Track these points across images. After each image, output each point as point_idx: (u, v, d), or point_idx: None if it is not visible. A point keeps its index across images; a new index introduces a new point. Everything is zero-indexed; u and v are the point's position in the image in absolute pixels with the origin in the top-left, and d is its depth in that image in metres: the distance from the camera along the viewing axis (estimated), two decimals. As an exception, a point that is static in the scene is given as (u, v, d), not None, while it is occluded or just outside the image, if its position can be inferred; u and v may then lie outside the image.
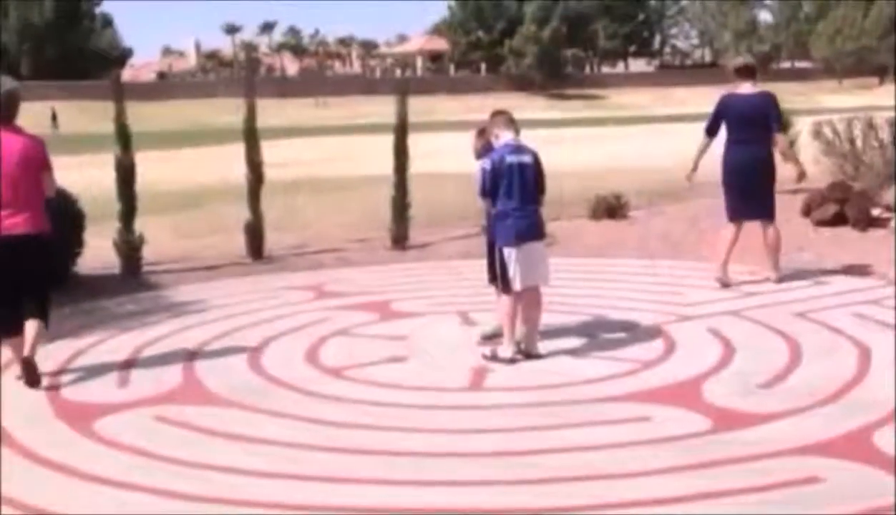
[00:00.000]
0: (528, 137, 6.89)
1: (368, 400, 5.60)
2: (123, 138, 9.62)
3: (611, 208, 12.28)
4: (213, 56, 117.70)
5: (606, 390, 5.69)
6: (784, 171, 8.92)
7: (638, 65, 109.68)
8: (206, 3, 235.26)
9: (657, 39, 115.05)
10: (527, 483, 4.38)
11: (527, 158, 6.32)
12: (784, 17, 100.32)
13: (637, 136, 34.38)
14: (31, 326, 5.99)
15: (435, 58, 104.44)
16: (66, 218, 8.19)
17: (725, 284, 8.33)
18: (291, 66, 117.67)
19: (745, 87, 8.38)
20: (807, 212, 11.35)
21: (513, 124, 6.46)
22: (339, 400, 5.64)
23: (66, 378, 6.20)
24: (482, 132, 6.77)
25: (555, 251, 9.10)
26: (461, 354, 6.51)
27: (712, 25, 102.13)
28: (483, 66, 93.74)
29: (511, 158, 6.27)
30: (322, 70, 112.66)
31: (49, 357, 6.60)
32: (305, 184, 18.60)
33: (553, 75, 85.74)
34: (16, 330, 6.03)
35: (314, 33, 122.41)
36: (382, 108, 40.66)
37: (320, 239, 11.55)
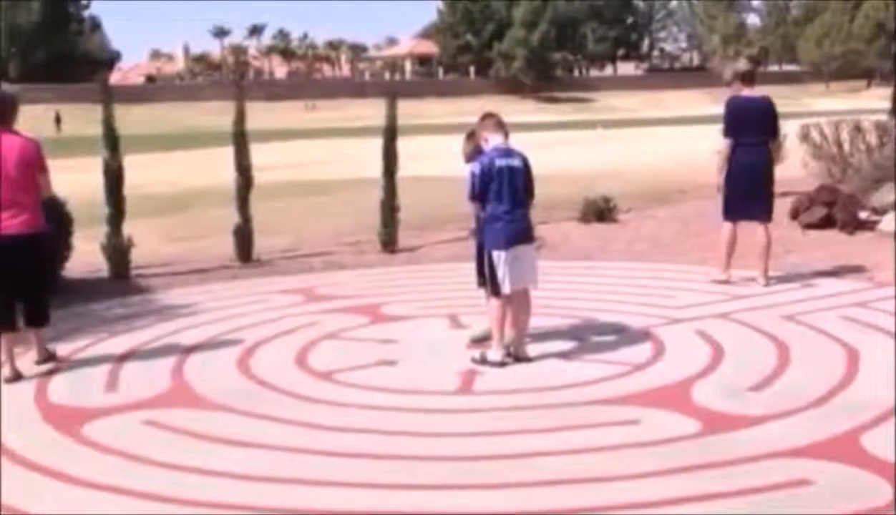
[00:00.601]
0: (517, 141, 6.89)
1: (358, 404, 5.59)
2: (111, 141, 9.59)
3: (600, 211, 12.31)
4: (201, 59, 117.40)
5: (596, 393, 5.69)
6: (778, 173, 8.95)
7: (627, 68, 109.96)
8: (194, 5, 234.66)
9: (646, 43, 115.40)
10: (516, 487, 4.37)
11: (516, 162, 6.32)
12: (772, 20, 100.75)
13: (626, 139, 34.46)
14: (36, 335, 6.43)
15: (424, 61, 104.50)
16: (54, 221, 8.15)
17: (728, 283, 8.42)
18: (280, 70, 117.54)
19: (747, 91, 8.49)
20: (795, 215, 11.39)
21: (502, 128, 6.46)
22: (329, 403, 5.63)
23: (54, 382, 6.18)
24: (471, 135, 6.76)
25: (544, 254, 9.10)
26: (451, 357, 6.50)
27: (700, 29, 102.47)
28: (472, 70, 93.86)
29: (500, 162, 6.27)
30: (311, 73, 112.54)
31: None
32: (294, 187, 18.60)
33: (542, 78, 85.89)
34: (12, 326, 6.28)
35: (303, 36, 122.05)
36: (371, 111, 40.69)
37: (309, 242, 11.55)
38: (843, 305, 7.62)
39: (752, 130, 8.38)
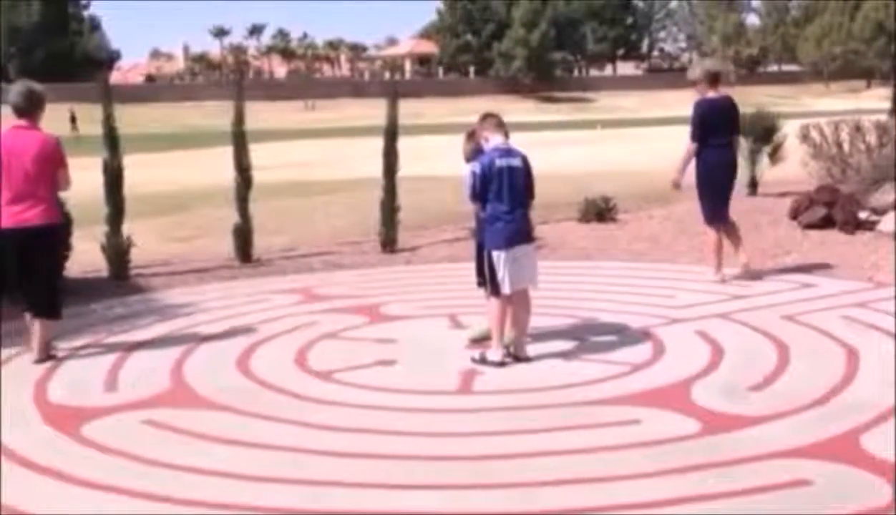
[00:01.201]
0: (517, 140, 6.88)
1: (358, 404, 5.59)
2: (111, 141, 9.58)
3: (599, 211, 12.30)
4: (201, 59, 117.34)
5: (595, 393, 5.69)
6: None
7: (626, 68, 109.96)
8: (194, 5, 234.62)
9: (645, 43, 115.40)
10: (516, 487, 4.37)
11: (516, 162, 6.32)
12: (772, 20, 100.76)
13: (626, 139, 34.46)
14: (41, 328, 6.56)
15: (424, 61, 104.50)
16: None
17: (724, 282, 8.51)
18: (280, 69, 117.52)
19: (712, 93, 8.63)
20: (794, 215, 11.39)
21: (502, 127, 6.46)
22: (329, 403, 5.63)
23: (54, 381, 6.18)
24: (472, 135, 6.76)
25: (544, 254, 9.12)
26: (450, 357, 6.50)
27: (700, 29, 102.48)
28: (472, 69, 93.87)
29: (500, 162, 6.27)
30: (311, 73, 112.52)
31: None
32: (294, 187, 18.60)
33: (542, 78, 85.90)
34: (36, 313, 6.60)
35: (303, 36, 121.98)
36: (371, 111, 40.70)
37: (309, 242, 11.54)
38: (843, 305, 7.62)
39: (721, 131, 8.56)
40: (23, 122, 6.62)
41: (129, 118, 33.34)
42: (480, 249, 6.57)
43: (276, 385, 5.98)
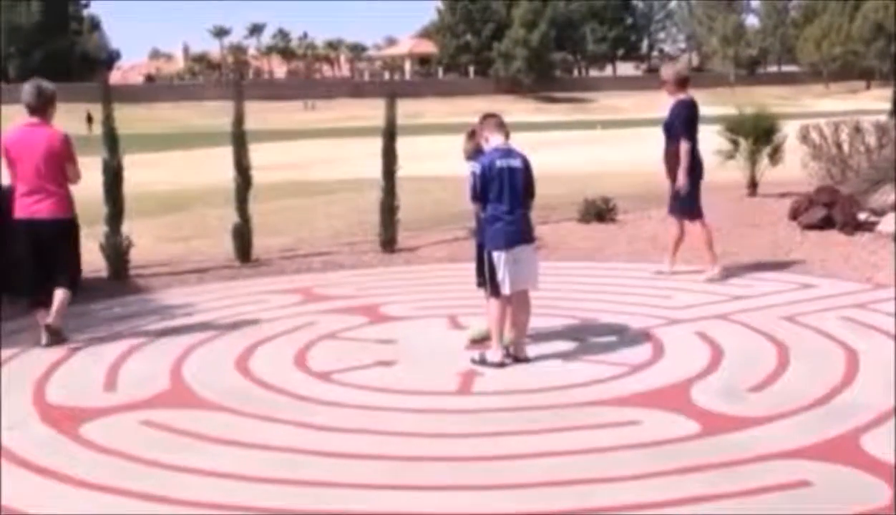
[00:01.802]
0: (517, 141, 6.88)
1: (357, 404, 5.59)
2: (110, 141, 9.58)
3: (599, 211, 12.30)
4: (201, 59, 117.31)
5: (595, 394, 5.69)
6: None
7: (626, 68, 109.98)
8: (194, 5, 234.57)
9: (645, 43, 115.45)
10: (516, 487, 4.37)
11: (516, 162, 6.32)
12: (771, 21, 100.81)
13: (625, 139, 34.45)
14: (58, 295, 6.88)
15: (423, 61, 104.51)
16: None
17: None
18: (280, 69, 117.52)
19: (681, 94, 8.83)
20: (794, 215, 11.39)
21: (502, 128, 6.45)
22: (328, 404, 5.62)
23: (52, 381, 6.17)
24: (473, 133, 6.77)
25: (544, 254, 9.11)
26: (450, 358, 6.49)
27: (700, 30, 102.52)
28: (471, 70, 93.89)
29: (501, 162, 6.26)
30: (310, 73, 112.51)
31: (35, 360, 6.59)
32: (294, 187, 18.60)
33: (541, 79, 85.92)
34: (40, 302, 6.96)
35: (302, 36, 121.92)
36: (371, 111, 40.70)
37: (309, 242, 11.54)
38: (843, 306, 7.61)
39: (694, 131, 8.77)
40: (34, 120, 6.97)
41: (129, 118, 33.34)
42: (481, 249, 6.57)
43: (275, 385, 5.97)
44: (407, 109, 31.49)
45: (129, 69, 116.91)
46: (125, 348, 6.91)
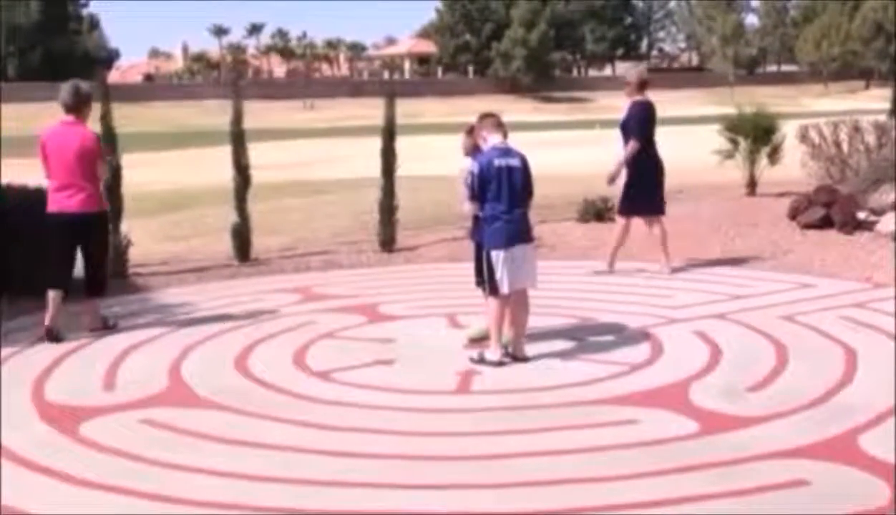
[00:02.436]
0: (516, 140, 6.88)
1: (356, 403, 5.59)
2: (110, 140, 9.56)
3: (598, 211, 12.29)
4: (200, 58, 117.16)
5: (593, 393, 5.69)
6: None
7: (625, 68, 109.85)
8: (193, 5, 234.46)
9: (644, 43, 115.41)
10: (514, 487, 4.37)
11: (515, 162, 6.32)
12: (771, 20, 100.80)
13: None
14: (51, 297, 7.09)
15: (423, 60, 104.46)
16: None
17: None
18: (279, 69, 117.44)
19: (639, 96, 9.15)
20: (793, 215, 11.39)
21: (501, 127, 6.46)
22: (327, 403, 5.63)
23: (51, 380, 6.17)
24: (472, 130, 6.78)
25: (543, 254, 9.11)
26: (448, 357, 6.50)
27: (699, 29, 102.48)
28: (471, 69, 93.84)
29: (499, 161, 6.27)
30: (310, 72, 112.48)
31: (35, 359, 6.59)
32: (293, 186, 18.58)
33: (541, 78, 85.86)
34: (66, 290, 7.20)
35: (302, 35, 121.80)
36: (370, 111, 40.63)
37: (307, 241, 11.53)
38: (842, 306, 7.62)
39: (654, 132, 9.17)
40: (69, 118, 7.28)
41: (128, 117, 33.31)
42: (479, 249, 6.57)
43: (274, 384, 5.98)
44: (406, 109, 31.48)
45: (128, 68, 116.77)
46: (124, 347, 6.91)
